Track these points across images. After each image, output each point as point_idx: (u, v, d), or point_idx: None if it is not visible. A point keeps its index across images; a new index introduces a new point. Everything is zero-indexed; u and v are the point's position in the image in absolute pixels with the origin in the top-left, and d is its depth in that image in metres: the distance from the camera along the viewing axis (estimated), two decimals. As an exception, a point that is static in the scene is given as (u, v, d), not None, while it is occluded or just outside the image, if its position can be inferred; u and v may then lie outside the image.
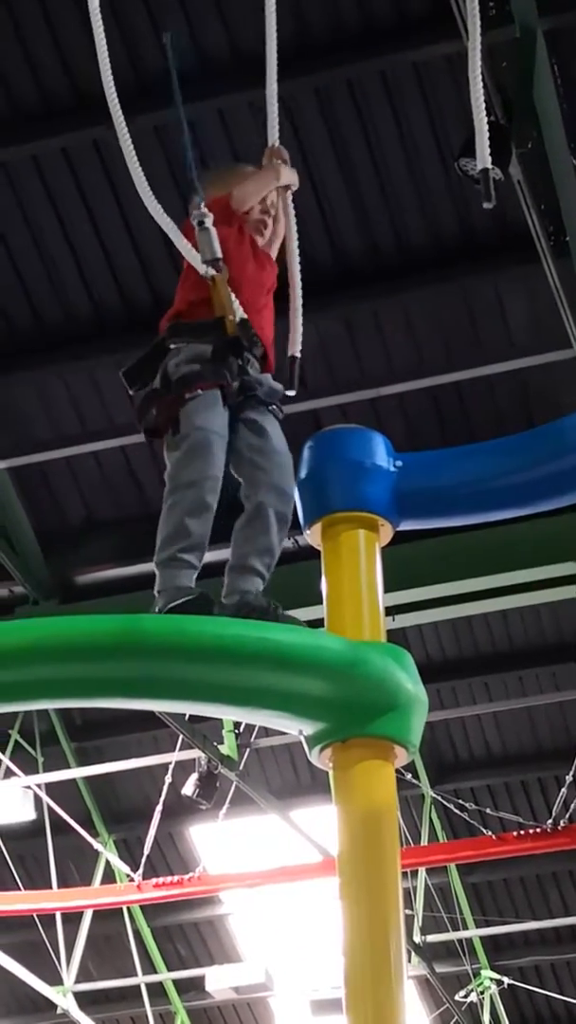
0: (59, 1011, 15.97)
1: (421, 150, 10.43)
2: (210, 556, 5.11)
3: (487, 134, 5.21)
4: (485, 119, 5.17)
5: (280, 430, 5.22)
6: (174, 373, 5.13)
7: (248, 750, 13.61)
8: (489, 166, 5.21)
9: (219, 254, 5.26)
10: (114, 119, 5.53)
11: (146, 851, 14.24)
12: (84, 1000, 16.55)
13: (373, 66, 10.11)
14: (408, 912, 15.40)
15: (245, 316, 5.26)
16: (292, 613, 10.38)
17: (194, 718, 12.53)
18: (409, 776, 14.21)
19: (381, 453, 4.80)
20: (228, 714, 5.29)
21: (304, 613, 10.01)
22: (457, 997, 16.91)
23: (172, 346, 5.20)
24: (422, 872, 15.92)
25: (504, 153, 8.46)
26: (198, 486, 4.96)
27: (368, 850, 4.15)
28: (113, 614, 4.51)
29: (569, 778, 13.16)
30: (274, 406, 5.25)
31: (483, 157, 5.15)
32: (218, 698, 4.30)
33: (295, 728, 4.32)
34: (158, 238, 10.95)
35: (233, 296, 5.25)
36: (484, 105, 5.17)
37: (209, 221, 5.27)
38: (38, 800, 14.48)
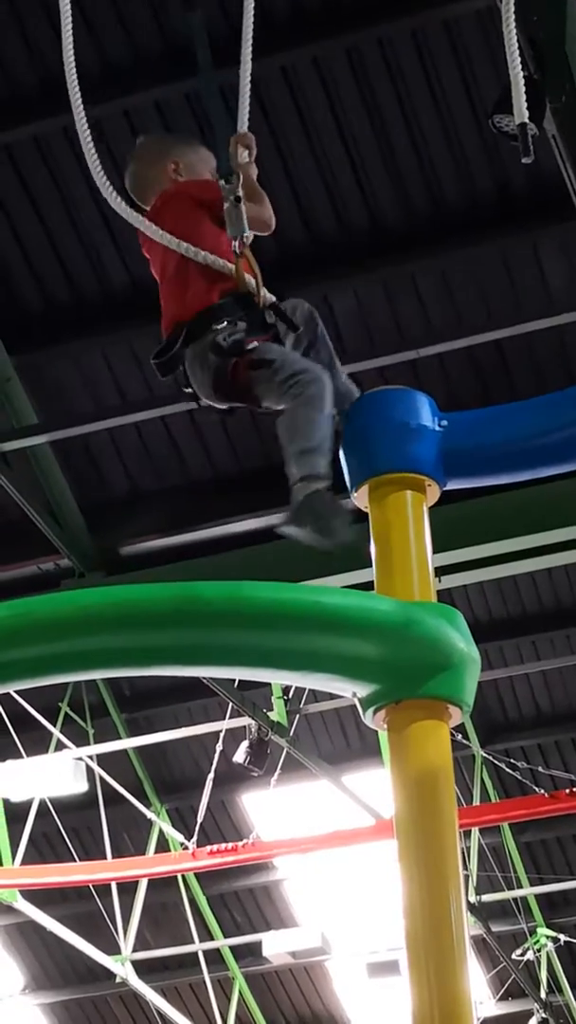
0: (118, 980, 16.09)
1: (454, 109, 10.38)
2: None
3: (523, 89, 5.16)
4: (521, 73, 5.11)
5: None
6: (226, 343, 5.15)
7: (298, 716, 13.64)
8: (527, 120, 5.16)
9: (248, 230, 5.25)
10: (73, 108, 5.45)
11: (199, 819, 14.30)
12: (142, 968, 16.66)
13: (404, 25, 10.05)
14: (463, 872, 15.43)
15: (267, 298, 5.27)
16: (334, 579, 10.38)
17: (243, 685, 12.56)
18: (460, 737, 14.22)
19: (426, 413, 4.77)
20: (283, 679, 5.29)
21: (352, 577, 10.07)
22: (514, 956, 16.95)
23: (215, 326, 5.20)
24: (475, 832, 15.94)
25: (538, 108, 8.38)
26: (318, 380, 4.95)
27: (425, 811, 4.14)
28: (165, 582, 4.50)
29: (619, 734, 13.15)
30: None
31: (520, 111, 5.10)
32: (273, 663, 4.29)
33: (349, 691, 4.31)
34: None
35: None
36: (520, 59, 5.10)
37: (240, 196, 5.25)
38: (90, 772, 14.55)
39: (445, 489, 4.80)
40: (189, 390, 5.35)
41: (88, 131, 5.39)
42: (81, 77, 5.18)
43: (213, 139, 5.73)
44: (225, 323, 5.18)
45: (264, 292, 5.21)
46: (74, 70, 5.39)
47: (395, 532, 4.57)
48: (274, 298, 5.25)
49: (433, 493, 4.73)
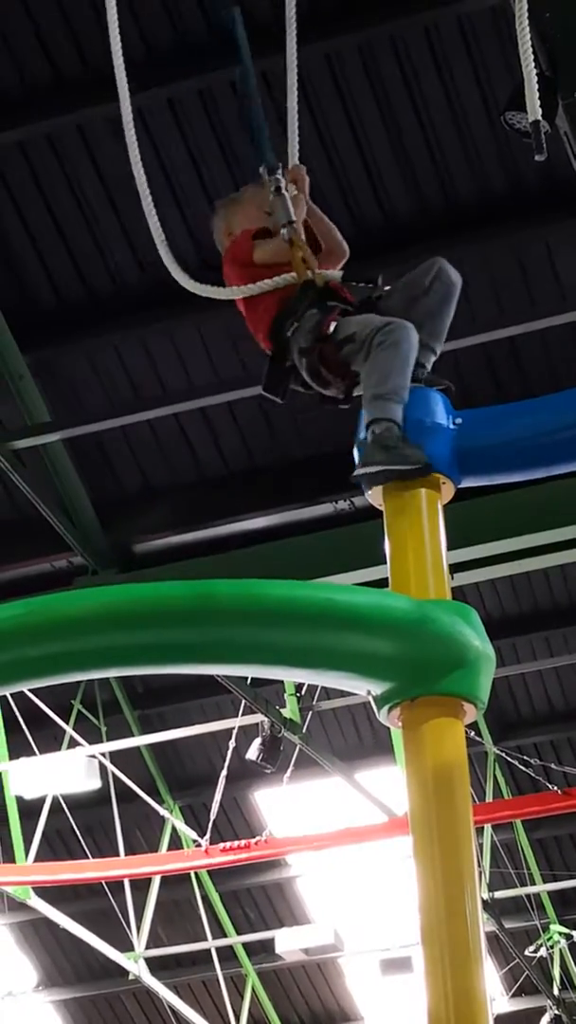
0: (131, 977, 16.09)
1: (466, 105, 10.37)
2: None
3: (536, 86, 5.17)
4: (534, 71, 5.12)
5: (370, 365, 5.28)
6: (305, 339, 5.23)
7: (311, 713, 13.64)
8: (540, 118, 5.17)
9: (294, 216, 5.37)
10: (123, 109, 5.59)
11: (212, 816, 14.30)
12: (155, 965, 16.67)
13: (417, 21, 10.04)
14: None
15: (328, 276, 5.39)
16: (349, 576, 10.38)
17: (256, 683, 12.56)
18: (472, 734, 14.21)
19: (440, 411, 4.79)
20: (298, 676, 5.30)
21: (367, 574, 10.07)
22: (526, 952, 16.95)
23: (288, 334, 5.29)
24: (488, 829, 15.93)
25: (551, 105, 8.38)
26: (398, 329, 4.98)
27: (441, 808, 4.15)
28: (179, 580, 4.51)
29: (632, 730, 13.13)
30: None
31: (534, 109, 5.11)
32: (289, 661, 4.30)
33: (364, 688, 4.32)
34: (204, 205, 10.95)
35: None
36: (533, 56, 5.11)
37: (284, 185, 5.39)
38: (103, 769, 14.56)
39: (460, 487, 4.80)
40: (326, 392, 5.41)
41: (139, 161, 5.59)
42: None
43: (252, 133, 5.84)
44: (294, 323, 5.33)
45: (322, 272, 5.32)
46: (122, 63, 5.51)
47: (410, 530, 4.58)
48: (337, 273, 5.34)
49: (448, 491, 4.74)
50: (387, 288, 5.39)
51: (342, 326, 5.22)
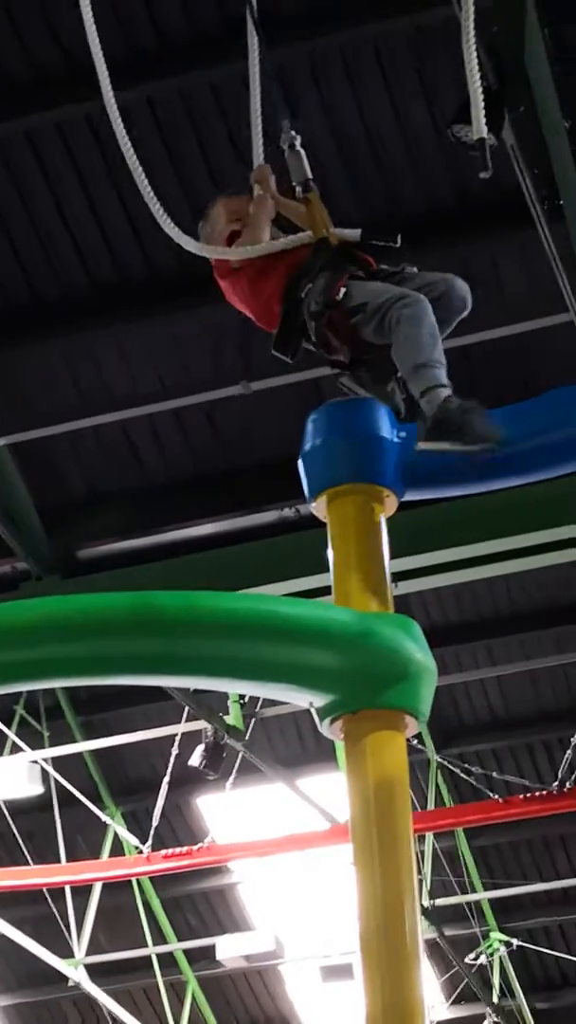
0: (71, 983, 16.05)
1: (414, 116, 10.40)
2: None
3: (482, 103, 5.21)
4: (480, 88, 5.16)
5: (398, 330, 5.27)
6: (316, 302, 5.24)
7: (254, 720, 13.64)
8: (485, 135, 5.20)
9: (310, 175, 5.40)
10: (105, 99, 5.58)
11: (154, 823, 14.28)
12: (95, 972, 16.62)
13: (365, 33, 10.07)
14: (416, 876, 15.46)
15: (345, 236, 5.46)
16: (293, 583, 10.40)
17: (199, 689, 12.56)
18: (415, 741, 14.25)
19: (385, 424, 4.82)
20: (240, 688, 5.32)
21: (312, 581, 10.09)
22: (467, 959, 17.00)
23: (303, 295, 5.27)
24: (430, 836, 15.97)
25: (497, 118, 8.42)
26: (412, 300, 5.00)
27: (381, 819, 4.18)
28: (118, 590, 4.51)
29: (574, 740, 13.20)
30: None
31: (479, 127, 5.15)
32: (230, 673, 4.32)
33: (306, 700, 4.34)
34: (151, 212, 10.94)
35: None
36: (479, 73, 5.15)
37: (299, 142, 5.42)
38: (45, 775, 14.52)
39: (403, 500, 4.83)
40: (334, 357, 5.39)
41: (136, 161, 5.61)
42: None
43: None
44: (307, 284, 5.35)
45: (337, 231, 5.34)
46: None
47: (353, 542, 4.61)
48: (354, 232, 5.37)
49: (391, 503, 4.77)
50: (413, 269, 5.37)
51: (354, 292, 5.22)
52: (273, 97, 5.71)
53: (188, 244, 5.71)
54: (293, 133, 5.45)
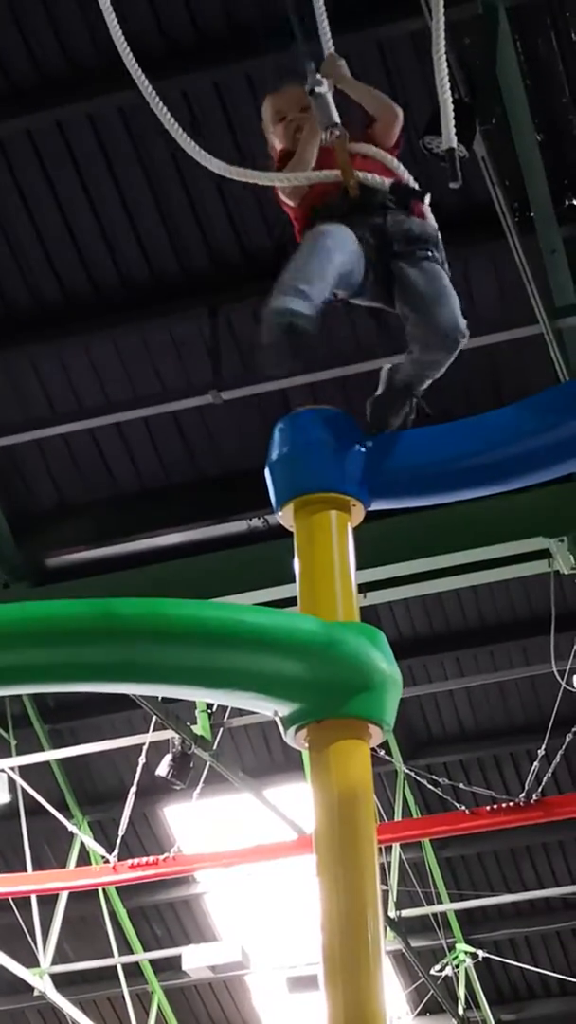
0: (36, 993, 15.99)
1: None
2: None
3: (452, 114, 5.22)
4: (450, 99, 5.17)
5: (434, 269, 5.30)
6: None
7: (221, 730, 13.64)
8: (455, 145, 5.21)
9: (337, 119, 5.34)
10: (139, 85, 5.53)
11: (121, 832, 14.26)
12: (61, 981, 16.58)
13: (337, 44, 10.06)
14: (383, 887, 15.42)
15: (371, 178, 5.36)
16: (262, 593, 10.40)
17: (167, 699, 12.55)
18: (382, 752, 14.26)
19: (352, 433, 4.81)
20: (204, 696, 5.31)
21: (276, 592, 10.08)
22: (432, 971, 17.00)
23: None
24: (396, 847, 15.98)
25: (468, 130, 8.47)
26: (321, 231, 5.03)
27: (344, 830, 4.17)
28: (86, 598, 4.50)
29: (541, 752, 13.21)
30: (422, 249, 5.29)
31: (449, 137, 5.16)
32: (194, 681, 4.31)
33: (270, 709, 4.33)
34: (124, 222, 10.95)
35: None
36: (449, 84, 5.16)
37: (325, 87, 5.35)
38: (11, 783, 14.48)
39: (370, 509, 4.83)
40: None
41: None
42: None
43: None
44: None
45: (365, 178, 5.32)
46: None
47: (319, 551, 4.60)
48: (379, 181, 5.37)
49: (358, 513, 4.76)
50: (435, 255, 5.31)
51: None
52: (296, 36, 5.60)
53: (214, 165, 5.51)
54: (319, 76, 5.36)
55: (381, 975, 4.07)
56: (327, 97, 5.32)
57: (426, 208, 5.49)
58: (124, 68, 9.02)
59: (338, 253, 5.04)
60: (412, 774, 15.09)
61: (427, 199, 5.47)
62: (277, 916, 17.36)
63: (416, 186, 5.47)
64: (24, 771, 14.71)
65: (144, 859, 14.40)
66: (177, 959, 16.97)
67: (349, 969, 4.03)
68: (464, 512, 10.07)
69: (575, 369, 10.28)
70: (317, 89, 5.31)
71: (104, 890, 16.27)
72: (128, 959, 17.20)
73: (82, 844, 15.42)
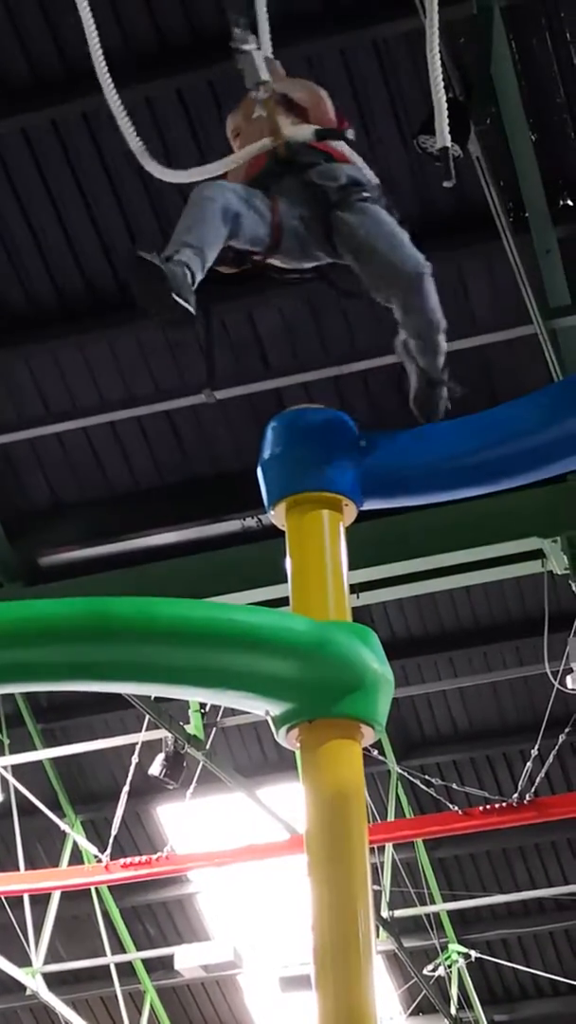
0: (28, 992, 15.97)
1: (380, 128, 10.42)
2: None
3: (446, 113, 5.21)
4: (444, 97, 5.17)
5: (373, 211, 5.31)
6: None
7: (214, 729, 13.63)
8: (449, 144, 5.21)
9: (265, 76, 5.33)
10: (105, 91, 5.54)
11: (114, 831, 14.24)
12: (53, 981, 16.56)
13: (333, 43, 10.08)
14: (375, 887, 15.45)
15: (297, 132, 5.39)
16: (255, 593, 10.42)
17: (160, 698, 12.55)
18: (375, 752, 14.25)
19: (345, 433, 4.81)
20: (196, 696, 5.31)
21: (274, 591, 10.08)
22: (425, 971, 16.98)
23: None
24: (389, 847, 15.97)
25: (463, 130, 8.46)
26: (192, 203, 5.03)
27: (336, 830, 4.17)
28: (79, 597, 4.49)
29: (534, 753, 13.20)
30: (356, 193, 5.30)
31: (442, 136, 5.16)
32: (186, 680, 4.31)
33: (262, 709, 4.33)
34: (119, 222, 10.94)
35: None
36: (443, 83, 5.15)
37: (252, 45, 5.34)
38: (4, 782, 14.46)
39: (363, 509, 4.82)
40: None
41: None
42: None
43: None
44: None
45: (292, 133, 5.35)
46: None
47: (311, 551, 4.59)
48: (306, 131, 5.37)
49: (351, 512, 4.76)
50: (369, 195, 5.29)
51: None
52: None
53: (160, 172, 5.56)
54: (244, 32, 5.34)
55: (372, 974, 4.07)
56: (253, 54, 5.30)
57: (354, 156, 5.46)
58: (121, 68, 9.04)
59: (211, 203, 5.02)
60: (405, 774, 15.07)
61: (350, 135, 5.44)
62: (270, 916, 17.35)
63: (350, 135, 5.44)
64: (17, 770, 14.68)
65: (137, 858, 14.37)
66: (170, 958, 16.96)
67: (340, 968, 4.03)
68: (457, 512, 10.07)
69: (569, 369, 10.28)
70: (243, 47, 5.30)
71: (97, 889, 16.24)
72: (121, 958, 17.19)
73: (75, 843, 15.41)
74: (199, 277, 4.82)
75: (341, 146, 5.47)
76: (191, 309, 4.72)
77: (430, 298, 5.18)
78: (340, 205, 5.27)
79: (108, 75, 5.46)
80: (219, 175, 5.41)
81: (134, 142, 5.47)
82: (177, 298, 4.69)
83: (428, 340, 5.15)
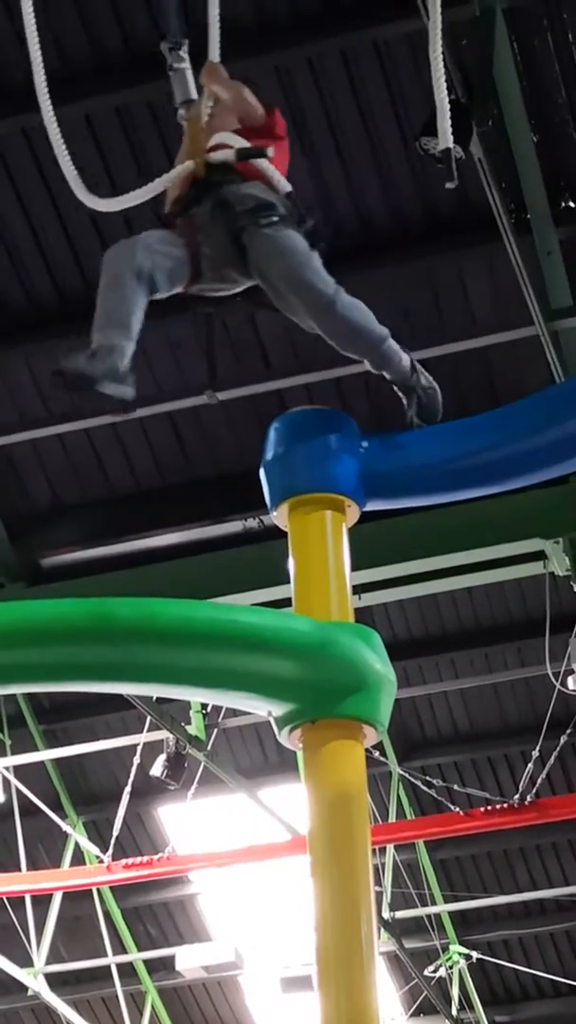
0: (30, 992, 15.98)
1: (382, 129, 10.42)
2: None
3: (448, 114, 5.22)
4: (446, 98, 5.17)
5: (282, 242, 5.22)
6: None
7: (216, 730, 13.64)
8: (451, 145, 5.21)
9: (191, 95, 5.33)
10: (42, 108, 5.56)
11: (115, 832, 14.25)
12: (55, 981, 16.56)
13: (334, 44, 10.08)
14: (377, 888, 15.45)
15: (218, 154, 5.36)
16: (257, 594, 10.42)
17: (162, 699, 12.56)
18: (377, 754, 14.25)
19: (347, 434, 4.81)
20: (198, 696, 5.32)
21: (271, 593, 10.07)
22: (426, 972, 16.99)
23: None
24: (390, 848, 15.97)
25: (465, 131, 8.46)
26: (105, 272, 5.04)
27: (338, 830, 4.17)
28: (81, 597, 4.50)
29: (535, 754, 13.22)
30: (264, 216, 5.26)
31: (445, 137, 5.16)
32: (188, 681, 4.31)
33: (264, 709, 4.33)
34: (120, 222, 10.93)
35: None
36: (445, 84, 5.16)
37: (185, 64, 5.35)
38: (6, 783, 14.47)
39: (365, 510, 4.83)
40: None
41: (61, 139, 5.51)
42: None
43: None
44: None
45: (210, 156, 5.32)
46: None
47: (313, 552, 4.60)
48: (226, 154, 5.33)
49: (353, 513, 4.76)
50: (274, 219, 5.26)
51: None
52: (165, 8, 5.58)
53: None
54: (180, 52, 5.36)
55: (374, 975, 4.07)
56: (184, 73, 5.32)
57: (271, 170, 5.39)
58: (119, 68, 9.08)
59: (122, 274, 5.04)
60: (406, 775, 15.08)
61: (269, 152, 5.39)
62: (271, 916, 17.35)
63: (268, 154, 5.39)
64: (19, 771, 14.69)
65: (138, 859, 14.39)
66: (171, 959, 16.96)
67: (342, 969, 4.03)
68: (460, 514, 10.07)
69: (571, 371, 10.28)
70: (176, 65, 5.33)
71: (98, 890, 16.25)
72: (122, 959, 17.19)
73: (76, 844, 15.41)
74: (129, 355, 4.85)
75: (261, 163, 5.41)
76: (128, 396, 4.77)
77: (349, 319, 5.11)
78: (247, 230, 5.22)
79: (48, 97, 5.51)
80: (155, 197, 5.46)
81: (68, 171, 5.52)
82: (112, 393, 4.75)
83: (372, 355, 5.10)
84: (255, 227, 5.20)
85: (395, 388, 5.20)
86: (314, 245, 5.21)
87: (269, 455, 4.81)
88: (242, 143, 5.36)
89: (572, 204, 10.14)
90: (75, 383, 4.68)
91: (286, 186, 5.39)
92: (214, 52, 5.77)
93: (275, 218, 5.20)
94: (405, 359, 5.11)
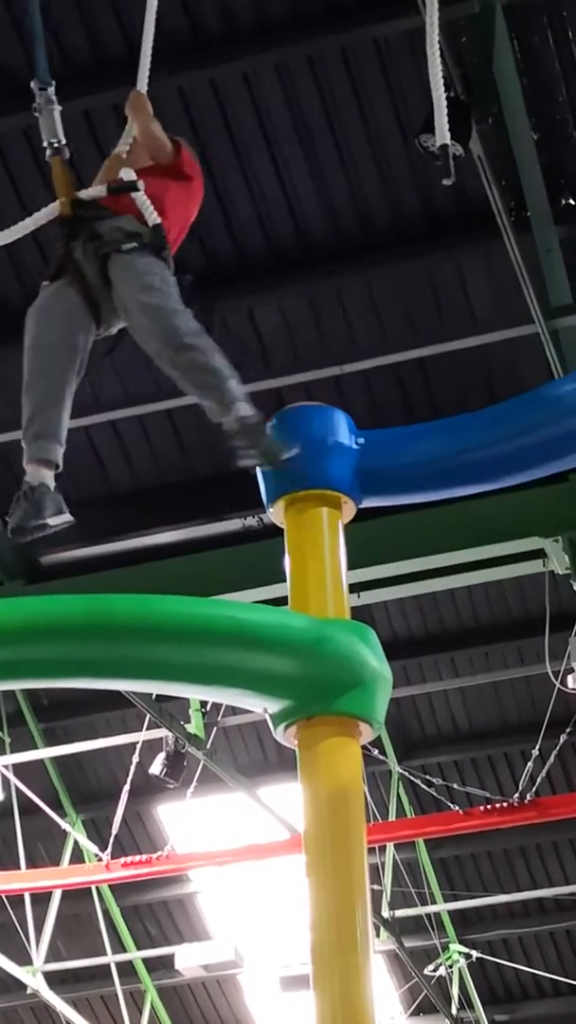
0: (29, 991, 15.97)
1: (382, 126, 10.41)
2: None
3: (446, 111, 5.22)
4: (444, 95, 5.18)
5: (138, 281, 5.29)
6: None
7: (215, 729, 13.63)
8: (448, 142, 5.21)
9: (58, 136, 5.42)
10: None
11: (114, 831, 14.24)
12: (54, 980, 16.56)
13: (334, 42, 10.07)
14: (376, 887, 15.44)
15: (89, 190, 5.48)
16: (256, 592, 10.41)
17: (161, 697, 12.55)
18: (376, 752, 14.23)
19: (343, 431, 4.81)
20: (195, 693, 5.33)
21: (271, 591, 10.06)
22: (426, 971, 16.98)
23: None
24: (390, 847, 15.96)
25: (464, 129, 8.46)
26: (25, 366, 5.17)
27: (334, 828, 4.17)
28: (80, 594, 4.49)
29: (535, 752, 13.20)
30: (128, 253, 5.33)
31: (442, 133, 5.16)
32: (185, 677, 4.31)
33: (260, 706, 4.33)
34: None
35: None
36: (443, 81, 5.16)
37: (53, 105, 5.43)
38: (5, 781, 14.46)
39: (362, 506, 4.82)
40: None
41: None
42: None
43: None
44: None
45: (79, 195, 5.41)
46: None
47: (310, 548, 4.59)
48: (97, 190, 5.47)
49: (349, 510, 4.76)
50: (133, 243, 5.29)
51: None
52: (35, 51, 5.62)
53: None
54: (48, 92, 5.42)
55: (370, 973, 4.06)
56: (51, 113, 5.40)
57: (143, 203, 5.44)
58: (117, 67, 9.07)
59: (34, 359, 5.13)
60: (406, 774, 15.07)
61: (140, 186, 5.42)
62: (270, 915, 17.34)
63: (140, 186, 5.42)
64: (18, 769, 14.68)
65: (137, 858, 14.38)
66: (170, 958, 16.95)
67: (338, 967, 4.03)
68: (458, 512, 10.08)
69: (570, 368, 10.28)
70: (44, 106, 5.41)
71: (97, 888, 16.24)
72: (121, 957, 17.18)
73: (75, 842, 15.41)
74: (60, 458, 4.95)
75: (138, 196, 5.46)
76: (67, 521, 4.93)
77: (194, 346, 5.14)
78: (111, 258, 5.34)
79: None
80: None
81: None
82: (58, 524, 4.90)
83: (216, 396, 5.05)
84: (116, 253, 5.31)
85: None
86: (178, 274, 5.27)
87: (265, 451, 4.81)
88: (130, 179, 5.45)
89: (572, 202, 10.13)
90: (29, 533, 4.79)
91: (155, 219, 5.44)
92: (142, 82, 5.82)
93: (135, 244, 5.25)
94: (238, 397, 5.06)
